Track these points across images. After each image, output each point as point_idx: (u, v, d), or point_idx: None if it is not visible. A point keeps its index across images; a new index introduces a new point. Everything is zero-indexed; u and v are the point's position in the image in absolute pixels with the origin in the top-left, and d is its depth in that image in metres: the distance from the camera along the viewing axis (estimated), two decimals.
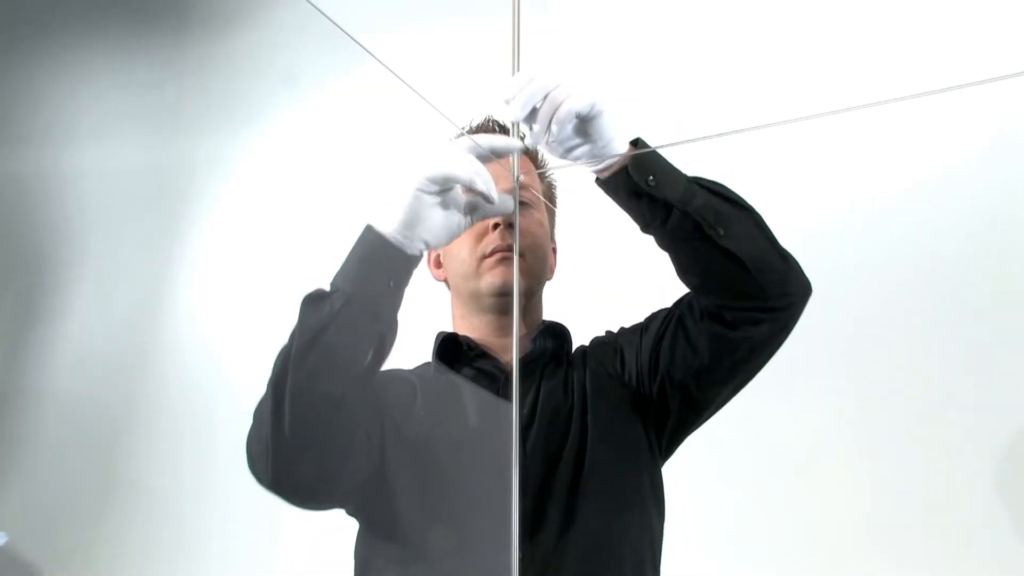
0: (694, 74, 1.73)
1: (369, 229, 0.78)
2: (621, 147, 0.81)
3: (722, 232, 0.81)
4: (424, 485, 0.86)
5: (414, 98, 0.82)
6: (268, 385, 0.76)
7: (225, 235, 2.18)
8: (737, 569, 1.46)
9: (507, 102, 0.78)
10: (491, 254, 0.97)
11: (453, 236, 0.79)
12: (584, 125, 0.78)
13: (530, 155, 1.05)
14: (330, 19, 0.74)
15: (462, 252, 0.99)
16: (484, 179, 0.75)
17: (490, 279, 0.97)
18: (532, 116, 0.77)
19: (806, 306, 0.87)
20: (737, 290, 0.83)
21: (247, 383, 2.14)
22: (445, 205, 0.77)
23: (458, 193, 0.78)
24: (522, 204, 0.98)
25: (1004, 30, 1.50)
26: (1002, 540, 1.35)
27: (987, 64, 1.46)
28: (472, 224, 0.80)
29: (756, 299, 0.84)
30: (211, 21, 2.36)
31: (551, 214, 1.09)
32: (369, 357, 0.74)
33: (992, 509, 1.36)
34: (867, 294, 1.50)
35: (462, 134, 1.04)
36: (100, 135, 2.33)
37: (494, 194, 0.76)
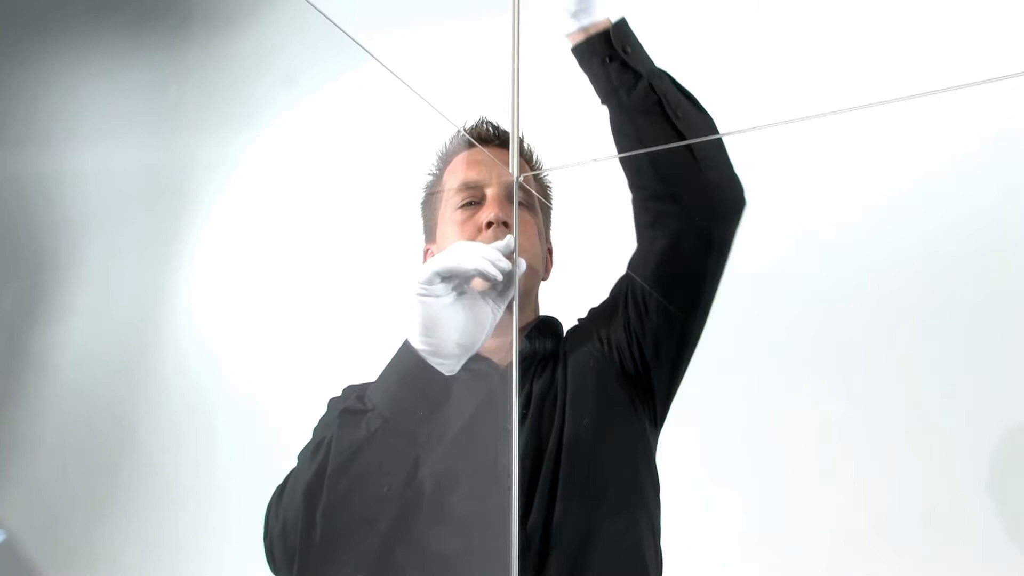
0: (694, 74, 1.73)
1: (406, 346, 0.77)
2: (604, 11, 0.86)
3: (680, 114, 0.85)
4: (425, 491, 0.86)
5: (414, 98, 0.82)
6: (298, 489, 0.76)
7: (225, 235, 2.18)
8: (736, 568, 1.46)
9: None
10: None
11: (487, 330, 0.77)
12: None
13: (525, 157, 1.05)
14: (330, 19, 0.74)
15: None
16: (492, 263, 0.75)
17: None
18: None
19: (737, 221, 0.89)
20: (678, 174, 0.86)
21: (247, 383, 2.15)
22: (463, 301, 0.76)
23: (473, 286, 0.77)
24: (518, 204, 0.98)
25: (1003, 30, 1.50)
26: (1002, 540, 1.35)
27: (987, 64, 1.46)
28: (501, 312, 0.79)
29: (696, 189, 0.86)
30: (211, 21, 2.36)
31: (546, 214, 1.09)
32: (403, 478, 0.75)
33: (992, 509, 1.36)
34: (866, 294, 1.50)
35: (461, 133, 1.05)
36: (100, 135, 2.33)
37: (498, 272, 0.75)
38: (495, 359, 0.98)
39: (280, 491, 0.82)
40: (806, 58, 1.64)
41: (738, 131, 0.87)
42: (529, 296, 1.03)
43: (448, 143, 1.08)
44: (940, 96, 1.32)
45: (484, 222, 0.97)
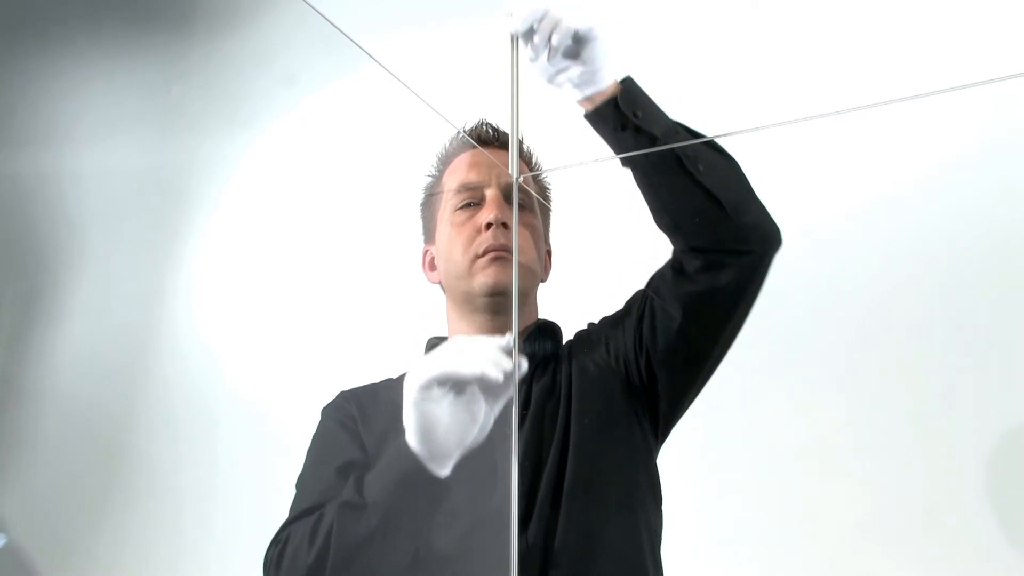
0: (694, 74, 1.73)
1: (404, 447, 0.75)
2: (610, 78, 0.84)
3: (702, 168, 0.83)
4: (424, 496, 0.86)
5: (413, 99, 0.82)
6: (300, 570, 0.78)
7: (225, 236, 2.18)
8: (736, 568, 1.46)
9: (509, 14, 0.80)
10: (483, 254, 0.96)
11: (485, 429, 0.75)
12: (579, 48, 0.81)
13: (522, 157, 1.05)
14: (330, 21, 0.74)
15: (455, 253, 0.99)
16: (494, 363, 0.72)
17: (482, 279, 0.96)
18: (530, 34, 0.80)
19: (774, 257, 0.88)
20: (709, 229, 0.85)
21: (247, 383, 2.15)
22: (460, 402, 0.73)
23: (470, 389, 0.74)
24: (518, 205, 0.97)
25: (1003, 30, 1.50)
26: (1001, 540, 1.35)
27: (988, 64, 1.46)
28: (498, 409, 0.76)
29: (726, 241, 0.85)
30: (211, 22, 2.36)
31: (546, 216, 1.08)
32: (404, 565, 0.75)
33: (992, 509, 1.36)
34: (867, 294, 1.50)
35: (460, 135, 1.05)
36: (101, 136, 2.33)
37: (500, 374, 0.72)
38: None
39: (279, 554, 0.82)
40: (806, 59, 1.63)
41: (738, 131, 0.87)
42: (528, 297, 1.03)
43: (448, 144, 1.08)
44: (940, 97, 1.32)
45: (483, 223, 0.97)
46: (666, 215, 0.88)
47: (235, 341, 2.05)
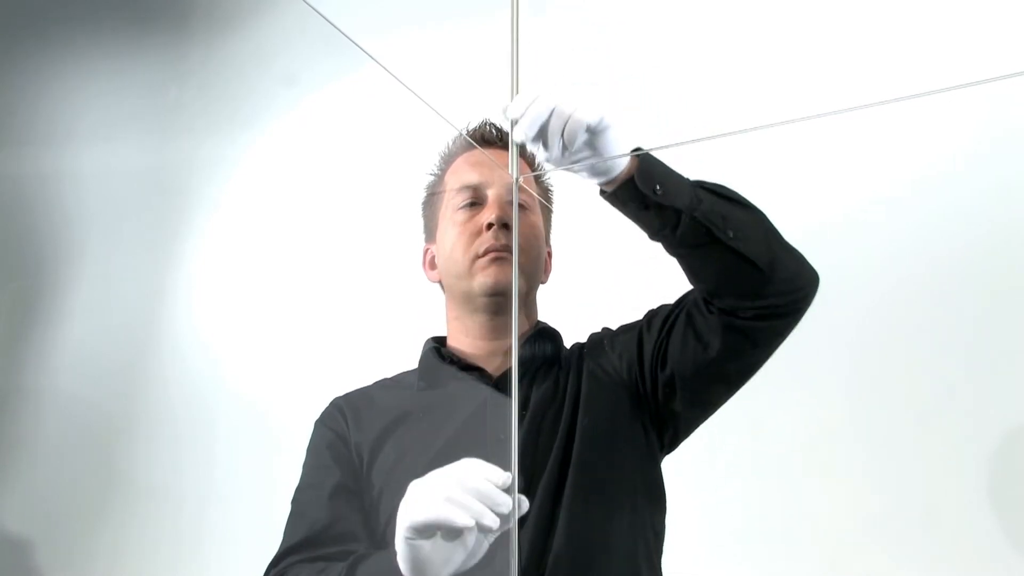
0: (694, 75, 1.73)
1: (396, 570, 0.73)
2: (625, 160, 0.80)
3: (732, 234, 0.81)
4: None
5: (413, 100, 0.82)
6: None
7: (225, 236, 2.18)
8: (736, 567, 1.46)
9: (512, 122, 0.77)
10: (484, 254, 0.96)
11: (478, 557, 0.71)
12: (593, 139, 0.77)
13: (526, 158, 1.05)
14: (330, 22, 0.74)
15: (456, 252, 0.99)
16: (490, 508, 0.68)
17: (482, 279, 0.96)
18: (541, 134, 0.76)
19: (814, 297, 0.88)
20: (751, 289, 0.84)
21: (247, 383, 2.14)
22: (452, 539, 0.69)
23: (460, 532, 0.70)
24: (519, 206, 0.97)
25: (1003, 30, 1.50)
26: (1001, 540, 1.35)
27: (989, 64, 1.46)
28: (493, 538, 0.72)
29: (770, 296, 0.84)
30: (211, 23, 2.36)
31: (547, 217, 1.08)
32: None
33: (992, 509, 1.36)
34: (867, 294, 1.50)
35: (462, 136, 1.05)
36: (100, 136, 2.33)
37: (496, 519, 0.68)
38: (488, 368, 0.98)
39: None
40: (807, 58, 1.63)
41: (739, 131, 0.87)
42: (528, 299, 1.03)
43: (451, 143, 1.08)
44: (939, 97, 1.32)
45: (485, 223, 0.97)
46: (702, 282, 0.87)
47: (235, 341, 2.05)
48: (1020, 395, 1.38)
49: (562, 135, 0.75)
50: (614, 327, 1.04)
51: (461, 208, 1.01)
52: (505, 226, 0.96)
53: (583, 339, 1.05)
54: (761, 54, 1.68)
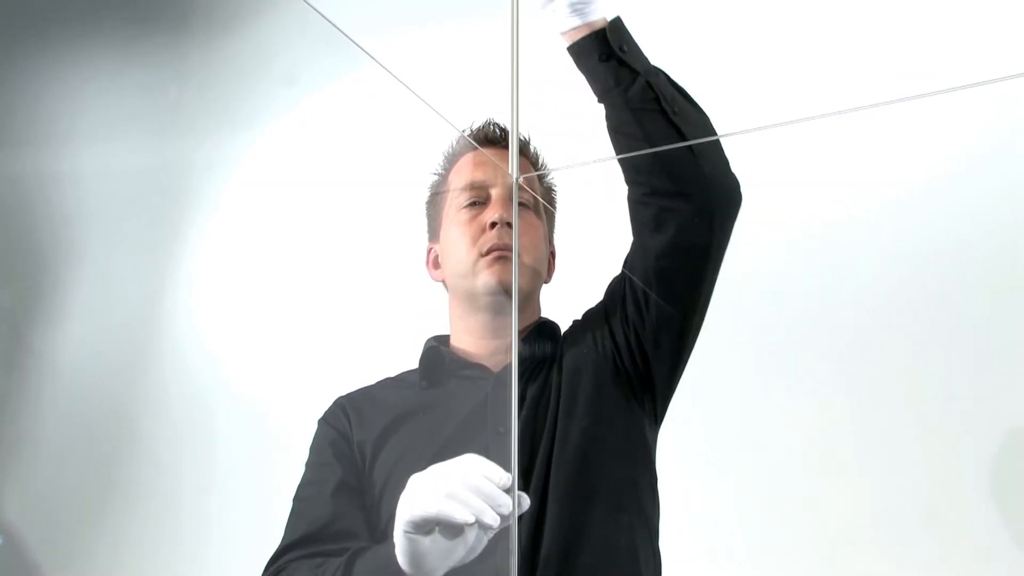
0: (697, 74, 1.73)
1: (393, 562, 0.73)
2: (602, 11, 0.86)
3: (676, 110, 0.87)
4: None
5: (414, 100, 0.82)
6: None
7: (225, 236, 2.18)
8: (735, 568, 1.46)
9: None
10: (487, 253, 0.97)
11: (475, 550, 0.71)
12: None
13: (528, 157, 1.05)
14: (331, 21, 0.74)
15: (459, 251, 0.99)
16: (491, 507, 0.67)
17: (486, 277, 0.96)
18: None
19: (736, 215, 0.91)
20: (675, 171, 0.87)
21: (248, 382, 2.14)
22: (451, 535, 0.69)
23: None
24: (520, 205, 0.97)
25: (1003, 31, 1.50)
26: (1000, 541, 1.35)
27: (991, 65, 1.46)
28: (491, 534, 0.71)
29: (689, 184, 0.88)
30: (211, 23, 2.36)
31: (550, 217, 1.08)
32: None
33: (993, 510, 1.36)
34: (867, 294, 1.50)
35: (462, 136, 1.05)
36: (100, 136, 2.33)
37: (496, 518, 0.67)
38: (489, 364, 0.98)
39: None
40: (810, 59, 1.63)
41: (740, 132, 0.87)
42: (530, 298, 1.03)
43: (454, 143, 1.09)
44: (943, 97, 1.32)
45: (488, 222, 0.97)
46: (632, 159, 0.90)
47: (235, 341, 2.05)
48: (1021, 395, 1.39)
49: None
50: (581, 316, 1.05)
51: (465, 207, 1.01)
52: (509, 225, 0.96)
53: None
54: (764, 54, 1.68)
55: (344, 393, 1.03)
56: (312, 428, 1.01)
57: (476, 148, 1.03)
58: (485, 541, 0.71)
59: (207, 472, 1.96)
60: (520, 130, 0.82)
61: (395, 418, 0.96)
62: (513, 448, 0.70)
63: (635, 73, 0.86)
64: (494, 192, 1.00)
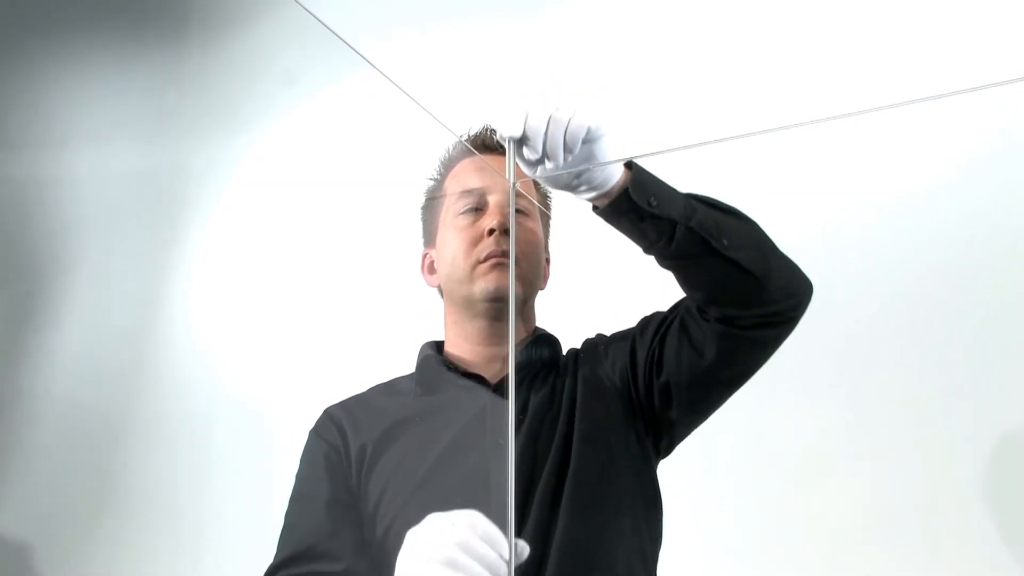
0: (692, 78, 1.73)
1: None
2: (619, 170, 0.80)
3: (726, 243, 0.82)
4: (419, 507, 0.86)
5: (411, 105, 0.82)
6: None
7: (222, 241, 2.18)
8: (735, 568, 1.46)
9: (509, 140, 0.77)
10: (485, 259, 0.96)
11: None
12: (589, 147, 0.77)
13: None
14: (328, 27, 0.74)
15: (456, 257, 0.99)
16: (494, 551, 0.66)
17: (483, 284, 0.96)
18: (543, 146, 0.75)
19: (808, 305, 0.89)
20: (746, 298, 0.84)
21: (244, 388, 2.14)
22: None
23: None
24: (517, 211, 0.97)
25: (1004, 33, 1.50)
26: (1002, 542, 1.35)
27: (997, 67, 1.46)
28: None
29: (766, 304, 0.85)
30: (208, 27, 2.36)
31: (546, 223, 1.08)
32: None
33: (992, 511, 1.36)
34: (866, 297, 1.50)
35: (462, 140, 1.05)
36: (97, 139, 2.33)
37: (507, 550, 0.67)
38: (485, 372, 0.98)
39: None
40: (813, 60, 1.63)
41: (742, 135, 0.86)
42: (526, 305, 1.03)
43: (451, 148, 1.08)
44: (942, 101, 1.32)
45: (486, 229, 0.97)
46: (698, 291, 0.87)
47: (232, 345, 2.05)
48: (1020, 398, 1.39)
49: (564, 141, 0.75)
50: (608, 334, 1.03)
51: (462, 213, 1.00)
52: (507, 232, 0.96)
53: (579, 344, 1.05)
54: (760, 58, 1.68)
55: (336, 400, 1.02)
56: (307, 434, 1.00)
57: (474, 153, 1.02)
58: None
59: (203, 476, 1.96)
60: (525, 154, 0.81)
61: (390, 426, 0.95)
62: (510, 456, 0.70)
63: (674, 223, 0.80)
64: (492, 198, 1.00)
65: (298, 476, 0.96)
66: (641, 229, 0.82)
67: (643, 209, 0.80)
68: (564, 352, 1.04)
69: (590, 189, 0.81)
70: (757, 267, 0.83)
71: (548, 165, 0.77)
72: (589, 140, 0.76)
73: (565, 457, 0.89)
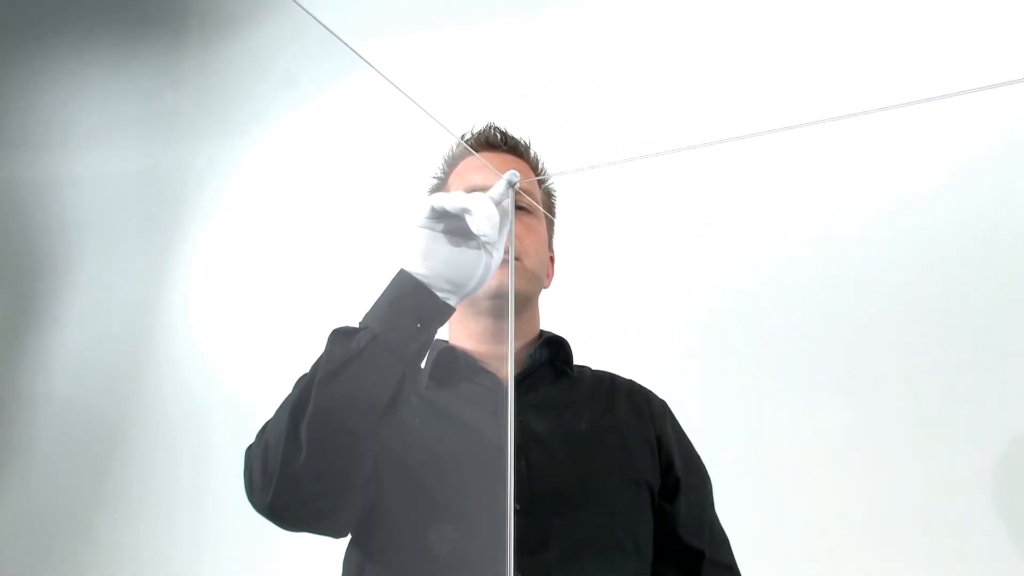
0: (691, 78, 1.74)
1: (401, 272, 0.79)
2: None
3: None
4: (421, 502, 0.85)
5: (411, 105, 0.82)
6: (284, 409, 0.78)
7: (221, 242, 2.18)
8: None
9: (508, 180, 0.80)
10: None
11: (475, 272, 0.78)
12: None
13: (529, 162, 1.05)
14: (327, 27, 0.74)
15: None
16: (476, 210, 0.75)
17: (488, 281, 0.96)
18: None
19: None
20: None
21: (243, 389, 2.14)
22: (455, 241, 0.77)
23: (468, 230, 0.77)
24: (520, 209, 0.97)
25: (1004, 33, 1.50)
26: (1002, 543, 1.35)
27: (994, 68, 1.46)
28: (495, 260, 0.79)
29: None
30: (208, 28, 2.36)
31: (549, 222, 1.08)
32: (389, 394, 0.74)
33: (992, 512, 1.36)
34: (866, 297, 1.50)
35: (461, 142, 1.05)
36: (97, 140, 2.33)
37: (485, 228, 0.75)
38: (499, 373, 0.98)
39: (264, 427, 0.84)
40: (806, 64, 1.64)
41: (742, 136, 0.87)
42: (530, 303, 1.03)
43: (454, 146, 1.08)
44: (942, 103, 1.32)
45: None
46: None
47: (231, 347, 2.05)
48: (1019, 400, 1.39)
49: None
50: (663, 403, 1.07)
51: None
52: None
53: (618, 372, 1.07)
54: (759, 59, 1.68)
55: None
56: None
57: (474, 154, 1.02)
58: (486, 263, 0.77)
59: (202, 478, 1.96)
60: (520, 135, 0.81)
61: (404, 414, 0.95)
62: (510, 455, 0.70)
63: None
64: None
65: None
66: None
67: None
68: (572, 353, 1.04)
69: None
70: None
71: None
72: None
73: (592, 480, 0.91)
